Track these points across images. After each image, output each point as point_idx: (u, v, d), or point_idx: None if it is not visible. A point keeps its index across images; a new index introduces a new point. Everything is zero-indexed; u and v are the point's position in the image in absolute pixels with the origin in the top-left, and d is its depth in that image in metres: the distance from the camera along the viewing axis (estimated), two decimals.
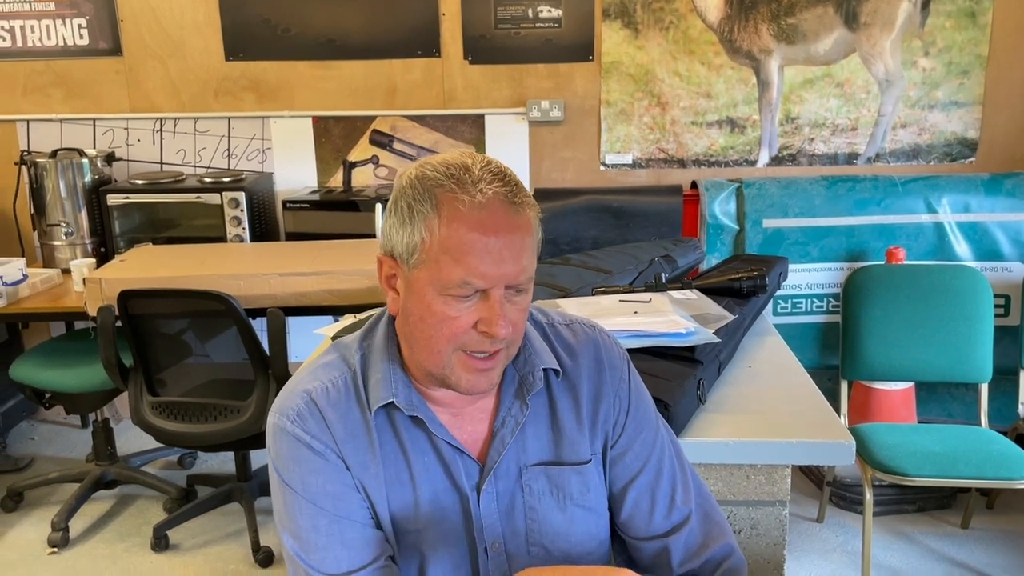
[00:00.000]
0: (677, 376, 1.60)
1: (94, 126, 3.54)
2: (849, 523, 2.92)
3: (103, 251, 3.34)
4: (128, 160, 3.56)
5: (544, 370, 1.08)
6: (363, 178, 3.55)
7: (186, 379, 2.68)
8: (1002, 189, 3.09)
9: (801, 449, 1.52)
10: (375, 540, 1.03)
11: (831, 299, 3.20)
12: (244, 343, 2.55)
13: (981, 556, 2.73)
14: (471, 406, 1.07)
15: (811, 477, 3.21)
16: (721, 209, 3.20)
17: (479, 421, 1.08)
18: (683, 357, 1.67)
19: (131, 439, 3.47)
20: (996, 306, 2.94)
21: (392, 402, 1.03)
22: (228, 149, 3.56)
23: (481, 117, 3.48)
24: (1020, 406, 2.72)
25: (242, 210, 3.21)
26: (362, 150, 3.54)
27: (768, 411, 1.64)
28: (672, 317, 1.78)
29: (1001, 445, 2.47)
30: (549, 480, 1.08)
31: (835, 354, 3.01)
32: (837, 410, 2.73)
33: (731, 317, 1.83)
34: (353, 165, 3.47)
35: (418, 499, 1.04)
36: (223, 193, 3.20)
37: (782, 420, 1.60)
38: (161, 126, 3.54)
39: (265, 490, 2.96)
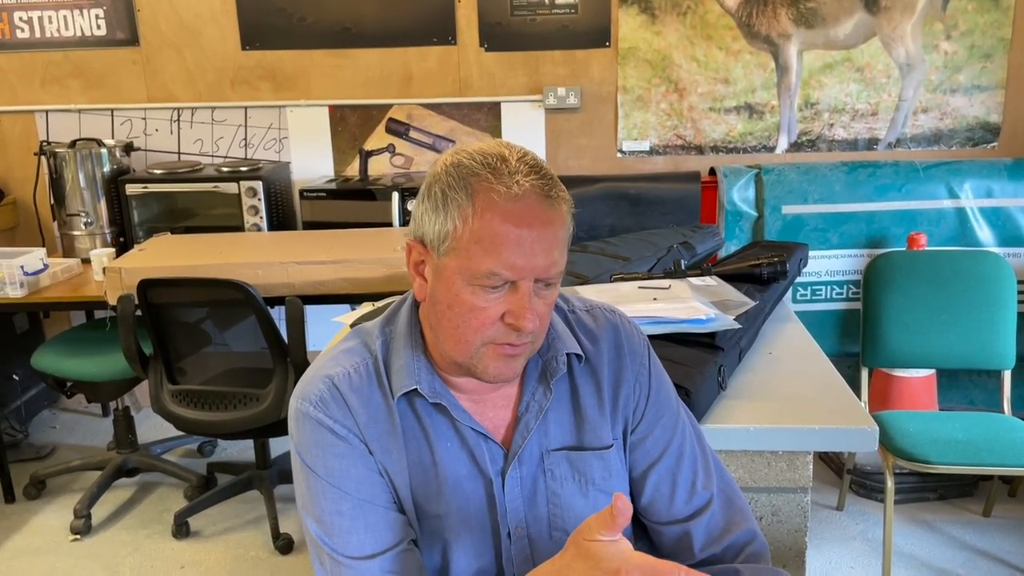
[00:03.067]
0: (698, 362, 1.59)
1: (112, 116, 3.56)
2: (870, 511, 2.90)
3: (122, 241, 3.35)
4: (146, 150, 3.58)
5: (567, 355, 1.08)
6: (379, 167, 3.55)
7: (205, 368, 2.69)
8: None
9: (823, 435, 1.51)
10: (398, 524, 1.03)
11: (851, 286, 3.17)
12: (262, 331, 2.55)
13: (1003, 544, 2.71)
14: (494, 393, 1.07)
15: (831, 465, 3.19)
16: (740, 196, 3.18)
17: (501, 408, 1.08)
18: (704, 343, 1.66)
19: (152, 427, 3.49)
20: (1019, 292, 2.90)
21: (415, 389, 1.03)
22: (245, 138, 3.56)
23: (497, 105, 3.46)
24: None
25: (259, 199, 3.21)
26: (378, 139, 3.54)
27: (789, 397, 1.63)
28: (692, 303, 1.77)
29: None
30: (571, 465, 1.08)
31: (856, 341, 2.98)
32: (858, 397, 2.71)
33: (752, 303, 1.82)
34: (370, 154, 3.47)
35: (440, 484, 1.04)
36: (240, 182, 3.21)
37: (803, 406, 1.59)
38: (179, 116, 3.55)
39: (284, 478, 2.97)
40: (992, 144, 3.36)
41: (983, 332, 2.63)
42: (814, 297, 3.22)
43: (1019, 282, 2.89)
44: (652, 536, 1.14)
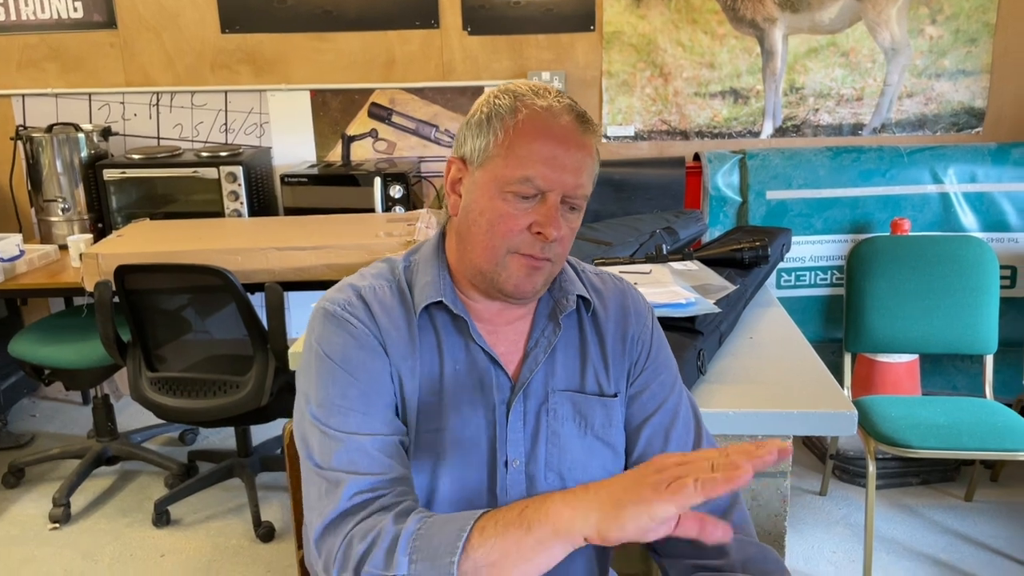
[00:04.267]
0: (677, 346, 1.58)
1: (90, 100, 3.51)
2: (852, 496, 2.90)
3: (100, 227, 3.31)
4: (125, 135, 3.53)
5: (577, 302, 1.14)
6: (362, 152, 3.51)
7: (185, 355, 2.66)
8: (1009, 159, 3.05)
9: (803, 420, 1.50)
10: (396, 424, 1.06)
11: (835, 271, 3.17)
12: (242, 318, 2.53)
13: (985, 528, 2.72)
14: (507, 326, 1.12)
15: (814, 451, 3.19)
16: (724, 181, 3.16)
17: (513, 342, 1.13)
18: (683, 328, 1.65)
19: (132, 416, 3.46)
20: (1002, 277, 2.90)
21: (436, 304, 1.09)
22: (225, 123, 3.52)
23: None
24: None
25: (240, 185, 3.17)
26: (360, 124, 3.50)
27: (769, 382, 1.62)
28: (673, 288, 1.75)
29: (1006, 417, 2.45)
30: (574, 407, 1.12)
31: (839, 327, 2.98)
32: (840, 383, 2.70)
33: (732, 288, 1.80)
34: (352, 139, 3.43)
35: (444, 400, 1.08)
36: (220, 167, 3.17)
37: (783, 391, 1.58)
38: (157, 100, 3.50)
39: (266, 465, 2.95)
40: (977, 129, 3.36)
41: (966, 317, 2.63)
42: (798, 283, 3.21)
43: (1002, 267, 2.90)
44: None
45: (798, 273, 3.20)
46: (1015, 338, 2.80)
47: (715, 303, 1.70)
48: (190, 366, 2.65)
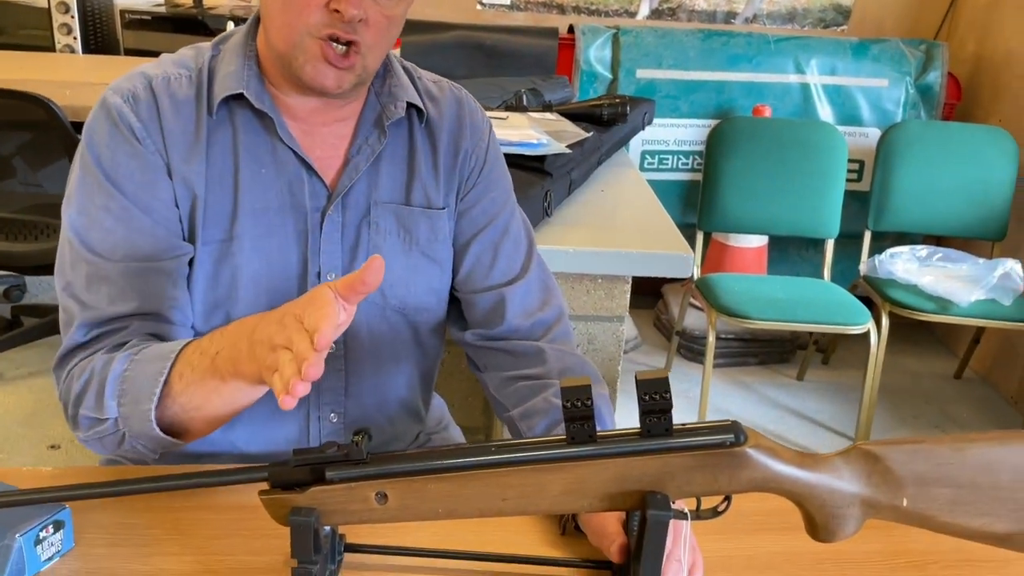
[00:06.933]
0: (524, 185, 1.53)
1: None
2: (695, 373, 3.01)
3: None
4: None
5: (407, 109, 1.04)
6: None
7: (8, 200, 2.42)
8: (868, 54, 3.12)
9: (641, 260, 1.50)
10: (165, 243, 0.96)
11: (696, 156, 3.20)
12: (69, 159, 2.30)
13: (812, 404, 2.89)
14: (325, 128, 1.02)
15: (662, 331, 3.28)
16: (596, 56, 3.11)
17: (332, 147, 1.02)
18: (532, 168, 1.60)
19: None
20: (850, 171, 3.01)
21: (238, 99, 0.97)
22: None
23: None
24: (861, 264, 2.82)
25: (72, 16, 2.87)
26: None
27: (612, 227, 1.62)
28: (526, 131, 1.70)
29: (840, 295, 2.57)
30: (398, 220, 1.05)
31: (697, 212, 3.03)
32: (691, 263, 2.76)
33: (586, 135, 1.76)
34: None
35: (239, 208, 0.98)
36: None
37: (625, 234, 1.58)
38: None
39: None
40: (842, 27, 3.42)
41: (812, 200, 2.72)
42: (661, 166, 3.23)
43: (852, 160, 3.00)
44: (466, 309, 1.11)
45: (661, 156, 3.22)
46: (856, 231, 2.92)
47: (567, 147, 1.66)
48: (15, 210, 2.42)
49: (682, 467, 0.69)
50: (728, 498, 0.72)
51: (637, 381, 0.67)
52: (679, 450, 0.69)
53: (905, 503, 0.69)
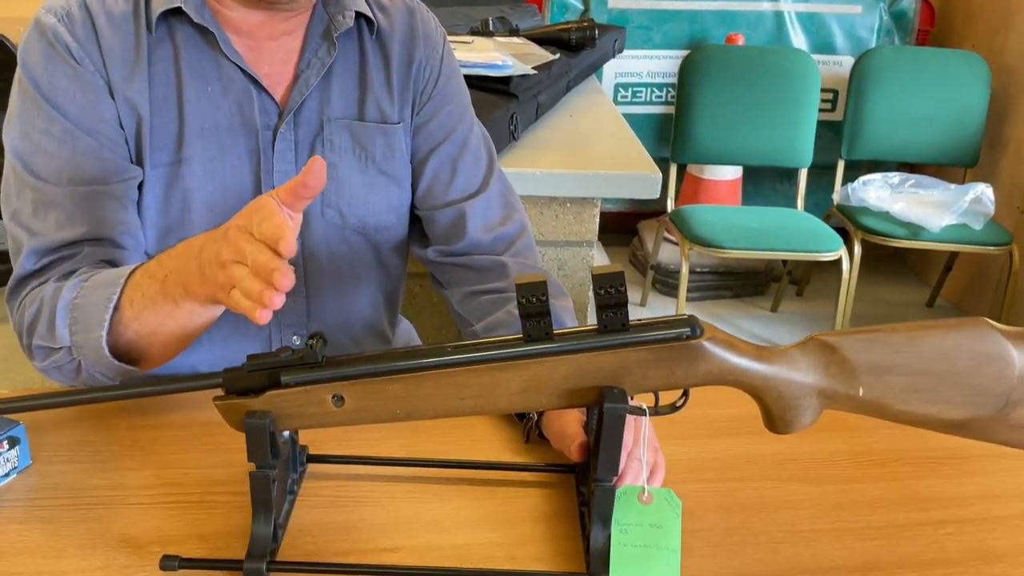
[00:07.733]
0: (489, 107, 1.51)
1: None
2: (670, 307, 3.02)
3: None
4: None
5: (356, 20, 1.00)
6: None
7: None
8: None
9: (608, 181, 1.48)
10: (111, 166, 0.94)
11: (670, 89, 3.17)
12: None
13: (785, 334, 2.91)
14: (272, 42, 0.98)
15: (637, 266, 3.28)
16: None
17: (281, 62, 0.99)
18: (497, 90, 1.57)
19: None
20: (824, 100, 2.99)
21: (177, 14, 0.93)
22: None
23: None
24: (834, 194, 2.82)
25: None
26: None
27: (580, 149, 1.60)
28: (491, 53, 1.66)
29: (813, 224, 2.58)
30: (352, 137, 1.02)
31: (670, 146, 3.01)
32: (665, 197, 2.75)
33: (553, 57, 1.73)
34: None
35: (186, 129, 0.95)
36: None
37: (593, 157, 1.57)
38: None
39: None
40: None
41: (786, 129, 2.71)
42: (634, 99, 3.20)
43: (825, 90, 2.98)
44: (426, 226, 1.10)
45: (635, 89, 3.18)
46: (830, 161, 2.92)
47: (533, 69, 1.63)
48: None
49: (638, 361, 0.68)
50: (686, 393, 0.71)
51: (592, 276, 0.66)
52: (635, 344, 0.68)
53: (861, 392, 0.69)
